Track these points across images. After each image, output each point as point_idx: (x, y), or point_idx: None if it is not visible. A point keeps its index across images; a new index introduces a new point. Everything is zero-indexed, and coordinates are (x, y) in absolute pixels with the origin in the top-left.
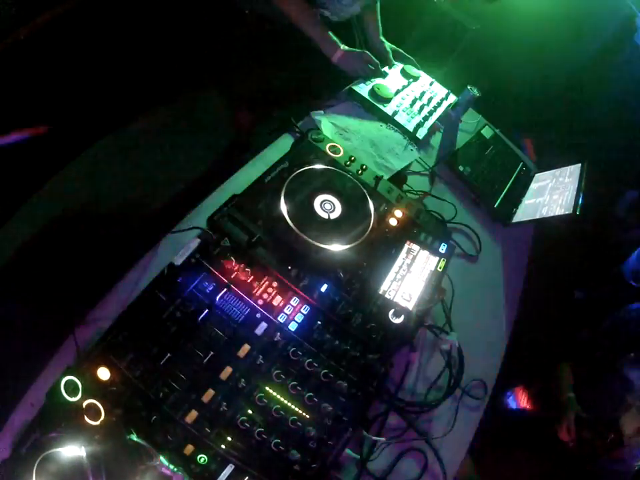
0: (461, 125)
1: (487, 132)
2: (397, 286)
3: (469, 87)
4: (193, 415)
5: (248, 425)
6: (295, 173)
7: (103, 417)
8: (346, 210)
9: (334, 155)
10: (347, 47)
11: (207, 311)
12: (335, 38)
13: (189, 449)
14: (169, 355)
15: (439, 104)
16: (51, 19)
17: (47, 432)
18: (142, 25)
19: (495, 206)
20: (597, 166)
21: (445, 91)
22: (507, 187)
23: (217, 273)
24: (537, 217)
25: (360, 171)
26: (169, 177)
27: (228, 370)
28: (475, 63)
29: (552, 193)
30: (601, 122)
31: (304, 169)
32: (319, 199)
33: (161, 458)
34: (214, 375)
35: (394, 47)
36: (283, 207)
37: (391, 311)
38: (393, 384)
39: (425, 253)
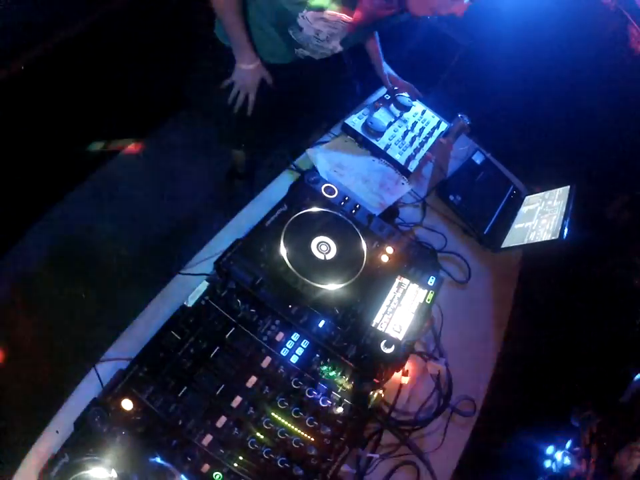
0: (453, 153)
1: (478, 157)
2: (389, 318)
3: (459, 115)
4: (208, 438)
5: (257, 446)
6: (293, 218)
7: (128, 441)
8: (340, 250)
9: (329, 196)
10: (264, 69)
11: (217, 347)
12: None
13: (206, 467)
14: (185, 387)
15: (431, 133)
16: (46, 48)
17: (76, 457)
18: (140, 48)
19: (485, 233)
20: (590, 182)
21: (437, 119)
22: (497, 212)
23: (225, 313)
24: (525, 242)
25: (354, 211)
26: (172, 207)
27: (238, 399)
28: (467, 79)
29: (540, 217)
30: (597, 134)
31: (301, 212)
32: (315, 241)
33: (182, 476)
34: (226, 404)
35: (395, 75)
36: (283, 251)
37: (383, 342)
38: (386, 405)
39: (415, 286)
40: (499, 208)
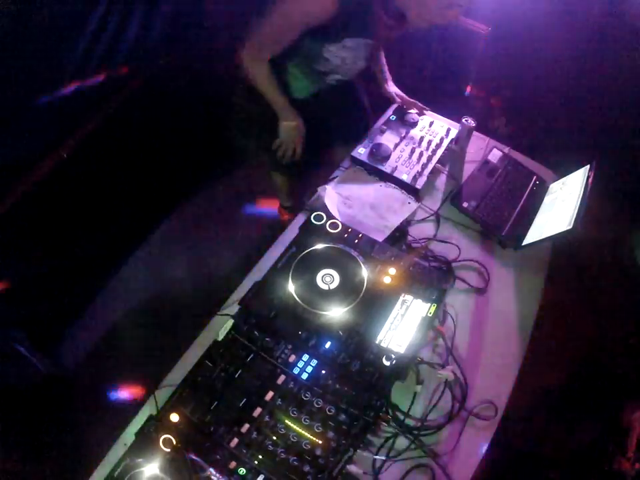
0: (467, 157)
1: (494, 155)
2: (392, 334)
3: (464, 119)
4: (234, 441)
5: (273, 448)
6: (299, 258)
7: (174, 445)
8: (343, 279)
9: (333, 231)
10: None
11: (240, 370)
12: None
13: (232, 464)
14: (216, 402)
15: (439, 144)
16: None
17: (135, 458)
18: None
19: (503, 233)
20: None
21: (446, 127)
22: (517, 209)
23: (247, 343)
24: (543, 236)
25: (357, 240)
26: (209, 268)
27: (258, 410)
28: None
29: (559, 206)
30: (618, 109)
31: (305, 252)
32: (320, 274)
33: (212, 471)
34: (248, 414)
35: (402, 93)
36: (291, 287)
37: (384, 356)
38: (401, 411)
39: (418, 301)
40: (520, 204)
